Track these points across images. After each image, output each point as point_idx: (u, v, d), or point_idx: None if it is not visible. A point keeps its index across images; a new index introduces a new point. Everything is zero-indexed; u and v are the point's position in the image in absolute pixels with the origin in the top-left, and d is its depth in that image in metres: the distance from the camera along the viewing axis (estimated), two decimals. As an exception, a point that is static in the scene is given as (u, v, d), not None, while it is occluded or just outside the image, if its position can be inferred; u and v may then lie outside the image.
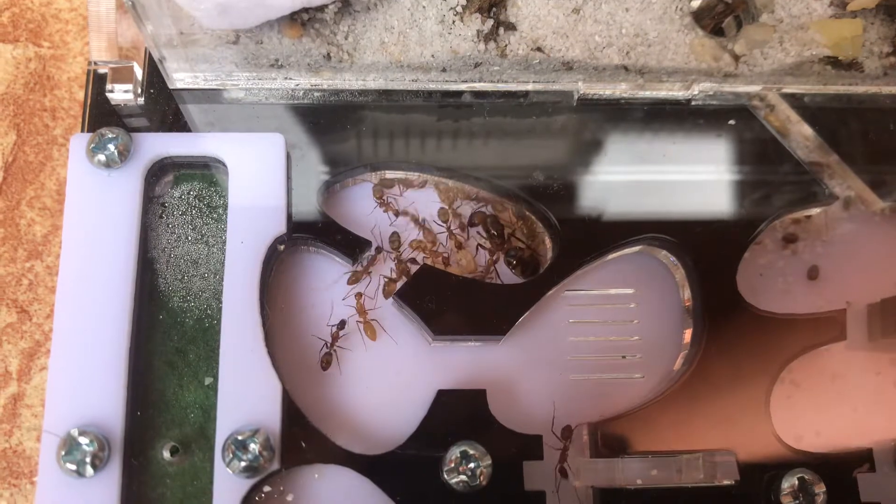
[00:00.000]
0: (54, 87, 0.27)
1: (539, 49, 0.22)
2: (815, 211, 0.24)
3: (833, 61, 0.23)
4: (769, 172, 0.23)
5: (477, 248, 0.23)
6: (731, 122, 0.24)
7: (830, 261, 0.24)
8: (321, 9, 0.21)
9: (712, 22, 0.23)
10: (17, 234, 0.25)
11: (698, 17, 0.23)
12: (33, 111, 0.27)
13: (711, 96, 0.24)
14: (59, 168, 0.26)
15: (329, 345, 0.21)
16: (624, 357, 0.22)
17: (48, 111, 0.27)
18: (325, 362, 0.21)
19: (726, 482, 0.20)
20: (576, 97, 0.24)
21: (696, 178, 0.23)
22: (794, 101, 0.24)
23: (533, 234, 0.23)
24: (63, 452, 0.19)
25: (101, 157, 0.21)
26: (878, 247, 0.24)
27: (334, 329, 0.21)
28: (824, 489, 0.20)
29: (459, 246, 0.23)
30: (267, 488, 0.20)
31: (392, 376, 0.22)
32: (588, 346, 0.22)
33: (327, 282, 0.22)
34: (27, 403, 0.24)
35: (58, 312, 0.20)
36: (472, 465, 0.19)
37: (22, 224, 0.25)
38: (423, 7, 0.22)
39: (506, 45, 0.22)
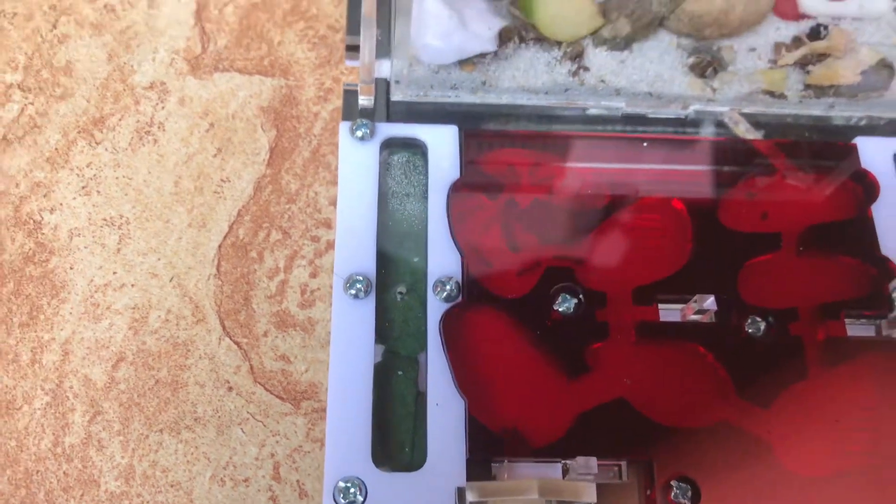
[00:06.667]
0: (297, 103, 0.43)
1: (602, 81, 0.39)
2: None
3: (770, 93, 0.40)
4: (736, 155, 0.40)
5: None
6: (711, 128, 0.40)
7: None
8: (483, 55, 0.38)
9: (700, 70, 0.40)
10: (280, 189, 0.41)
11: (692, 67, 0.40)
12: (286, 117, 0.43)
13: (701, 112, 0.40)
14: (304, 151, 0.42)
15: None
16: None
17: (294, 118, 0.43)
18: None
19: None
20: (621, 113, 0.40)
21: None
22: (749, 117, 0.40)
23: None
24: (347, 286, 0.34)
25: (359, 134, 0.37)
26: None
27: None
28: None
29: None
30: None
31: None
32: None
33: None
34: (290, 285, 0.39)
35: (339, 220, 0.36)
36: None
37: (282, 183, 0.41)
38: (537, 58, 0.38)
39: (583, 79, 0.39)
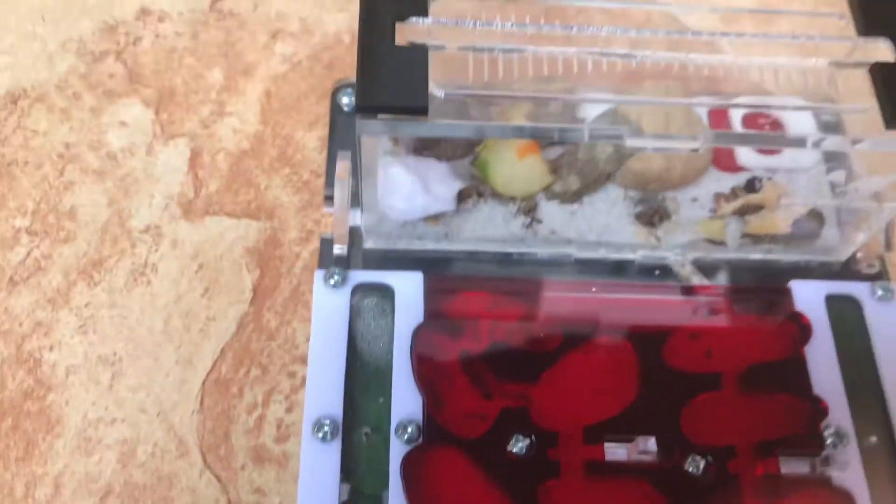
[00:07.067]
0: (280, 245, 0.47)
1: (553, 232, 0.42)
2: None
3: (710, 241, 0.43)
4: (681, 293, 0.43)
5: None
6: (657, 272, 0.44)
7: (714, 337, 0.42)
8: (445, 212, 0.41)
9: (646, 219, 0.44)
10: (261, 326, 0.45)
11: (638, 217, 0.44)
12: (269, 258, 0.47)
13: (647, 258, 0.44)
14: (284, 290, 0.46)
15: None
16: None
17: (277, 258, 0.47)
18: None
19: None
20: (573, 258, 0.44)
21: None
22: (693, 261, 0.44)
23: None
24: (315, 429, 0.37)
25: (332, 281, 0.41)
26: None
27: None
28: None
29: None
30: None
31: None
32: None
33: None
34: (267, 420, 0.42)
35: (311, 363, 0.39)
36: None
37: (263, 321, 0.45)
38: (494, 212, 0.42)
39: (537, 230, 0.42)
